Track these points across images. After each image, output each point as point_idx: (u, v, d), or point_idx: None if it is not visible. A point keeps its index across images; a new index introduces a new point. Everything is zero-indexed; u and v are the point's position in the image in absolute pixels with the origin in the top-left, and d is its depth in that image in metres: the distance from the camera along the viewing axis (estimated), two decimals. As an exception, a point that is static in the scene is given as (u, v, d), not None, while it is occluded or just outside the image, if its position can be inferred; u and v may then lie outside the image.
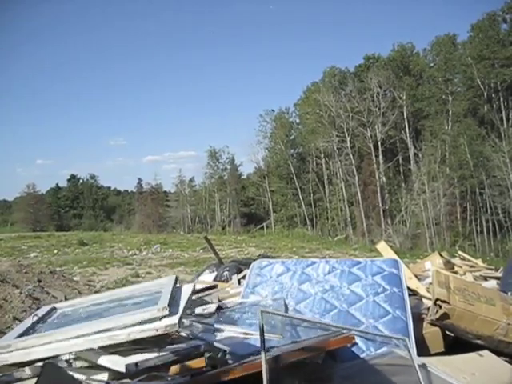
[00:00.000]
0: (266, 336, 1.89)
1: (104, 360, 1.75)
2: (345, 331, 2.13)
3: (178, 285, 2.43)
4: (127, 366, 1.71)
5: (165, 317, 1.84)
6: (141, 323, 1.82)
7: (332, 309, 2.66)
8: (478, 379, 2.14)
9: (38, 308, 4.25)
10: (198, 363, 1.72)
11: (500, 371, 2.26)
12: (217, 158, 40.56)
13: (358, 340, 2.28)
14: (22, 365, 1.80)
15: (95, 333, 1.81)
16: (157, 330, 1.77)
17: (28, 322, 2.17)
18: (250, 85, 60.79)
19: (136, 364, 1.72)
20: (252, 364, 1.66)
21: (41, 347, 1.80)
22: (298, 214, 35.96)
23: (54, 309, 2.40)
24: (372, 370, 2.15)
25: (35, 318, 2.18)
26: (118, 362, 1.72)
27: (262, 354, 1.64)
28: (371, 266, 2.93)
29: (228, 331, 2.18)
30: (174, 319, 1.82)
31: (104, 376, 1.72)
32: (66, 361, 1.80)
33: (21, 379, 1.80)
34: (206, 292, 3.81)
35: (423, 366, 2.09)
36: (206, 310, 2.94)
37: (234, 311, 2.64)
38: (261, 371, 1.59)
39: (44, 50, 63.33)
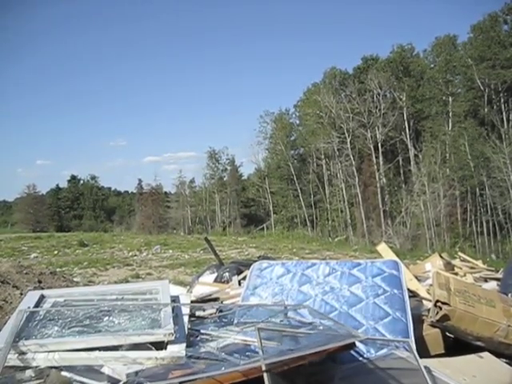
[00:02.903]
0: (264, 344, 1.90)
1: (104, 367, 1.76)
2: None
3: (171, 291, 2.45)
4: (127, 375, 1.72)
5: (171, 342, 1.88)
6: (147, 347, 1.87)
7: (332, 310, 2.65)
8: (478, 381, 2.13)
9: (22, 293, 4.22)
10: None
11: (500, 373, 2.26)
12: (216, 158, 40.62)
13: (357, 342, 2.27)
14: (23, 367, 1.80)
15: (99, 348, 1.84)
16: (163, 360, 1.82)
17: (21, 311, 2.15)
18: (250, 86, 61.02)
19: (136, 373, 1.73)
20: (250, 370, 1.66)
21: (44, 354, 1.81)
22: (298, 215, 35.94)
23: (43, 297, 2.38)
24: (372, 372, 2.15)
25: (27, 308, 2.17)
26: (118, 370, 1.73)
27: (262, 366, 1.66)
28: (371, 268, 2.92)
29: (227, 339, 2.18)
30: (181, 351, 1.85)
31: (102, 382, 1.73)
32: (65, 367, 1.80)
33: (22, 381, 1.79)
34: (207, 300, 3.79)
35: (423, 368, 2.09)
36: (207, 312, 2.94)
37: (234, 314, 2.63)
38: (259, 377, 1.60)
39: (44, 50, 63.52)
